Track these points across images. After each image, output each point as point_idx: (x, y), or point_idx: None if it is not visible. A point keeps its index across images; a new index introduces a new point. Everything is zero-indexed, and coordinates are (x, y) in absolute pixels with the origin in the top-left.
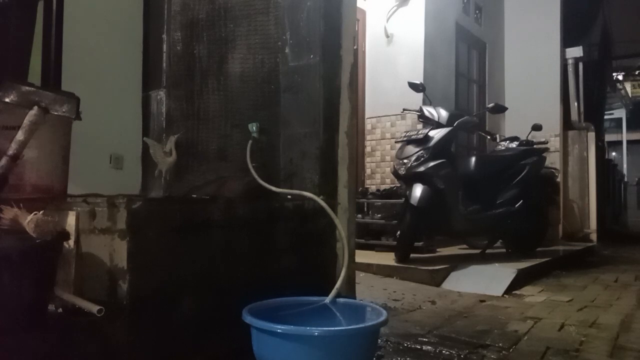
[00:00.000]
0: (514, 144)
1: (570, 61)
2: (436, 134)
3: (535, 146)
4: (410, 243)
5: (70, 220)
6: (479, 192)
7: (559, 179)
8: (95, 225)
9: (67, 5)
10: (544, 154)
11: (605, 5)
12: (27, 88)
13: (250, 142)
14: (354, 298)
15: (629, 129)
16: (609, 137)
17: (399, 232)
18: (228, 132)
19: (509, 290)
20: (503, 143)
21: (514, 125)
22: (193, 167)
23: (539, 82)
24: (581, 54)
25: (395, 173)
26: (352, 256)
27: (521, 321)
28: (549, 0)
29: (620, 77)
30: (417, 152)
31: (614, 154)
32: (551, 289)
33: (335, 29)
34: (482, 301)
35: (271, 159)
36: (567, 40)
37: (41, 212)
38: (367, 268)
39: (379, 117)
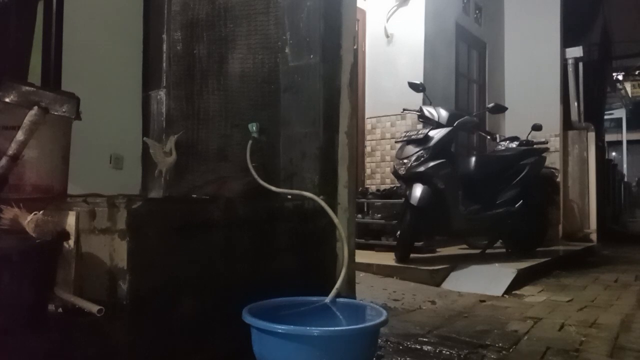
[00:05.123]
0: (514, 144)
1: (570, 61)
2: (436, 134)
3: (535, 146)
4: (410, 243)
5: (70, 220)
6: (479, 192)
7: (559, 179)
8: (95, 225)
9: (67, 5)
10: (544, 154)
11: (605, 5)
12: (27, 88)
13: (250, 142)
14: (354, 298)
15: (629, 129)
16: (609, 137)
17: (399, 232)
18: (228, 132)
19: (509, 290)
20: (503, 143)
21: (514, 125)
22: (193, 167)
23: (539, 82)
24: (581, 54)
25: (395, 173)
26: (352, 256)
27: (521, 321)
28: (549, 0)
29: (620, 77)
30: (417, 152)
31: (614, 154)
32: (551, 289)
33: (335, 29)
34: (482, 301)
35: (271, 159)
36: (567, 40)
37: (41, 212)
38: (367, 268)
39: (379, 117)
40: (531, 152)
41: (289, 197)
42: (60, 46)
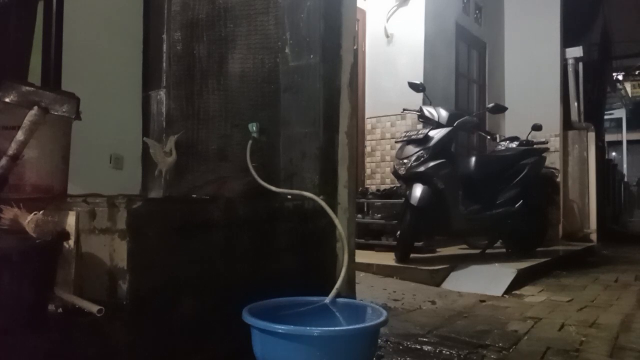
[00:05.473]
0: (514, 144)
1: (570, 61)
2: (436, 134)
3: (535, 146)
4: (410, 243)
5: (70, 220)
6: (479, 192)
7: (559, 179)
8: (95, 225)
9: (67, 5)
10: (544, 154)
11: (605, 5)
12: (27, 88)
13: (250, 142)
14: (354, 298)
15: (629, 129)
16: (609, 137)
17: (399, 232)
18: (228, 132)
19: (509, 290)
20: (503, 143)
21: (514, 125)
22: (193, 167)
23: (539, 82)
24: (581, 54)
25: (395, 173)
26: (352, 256)
27: (521, 321)
28: (549, 0)
29: (620, 77)
30: (417, 152)
31: (614, 154)
32: (551, 289)
33: (335, 29)
34: (482, 301)
35: (271, 159)
36: (567, 40)
37: (41, 212)
38: (367, 268)
39: (379, 117)
40: (531, 152)
41: (289, 197)
42: (60, 46)
